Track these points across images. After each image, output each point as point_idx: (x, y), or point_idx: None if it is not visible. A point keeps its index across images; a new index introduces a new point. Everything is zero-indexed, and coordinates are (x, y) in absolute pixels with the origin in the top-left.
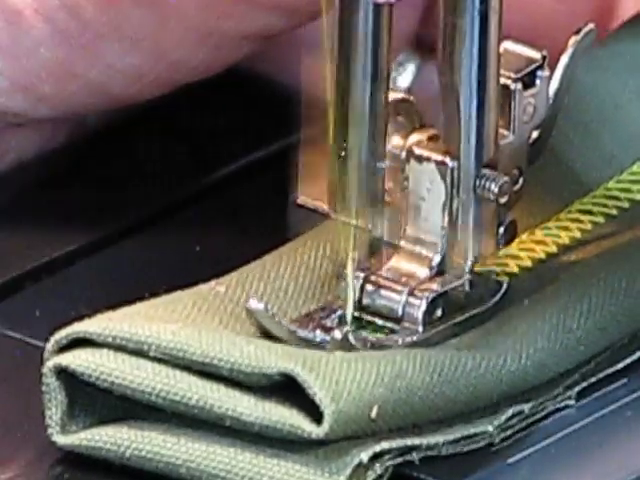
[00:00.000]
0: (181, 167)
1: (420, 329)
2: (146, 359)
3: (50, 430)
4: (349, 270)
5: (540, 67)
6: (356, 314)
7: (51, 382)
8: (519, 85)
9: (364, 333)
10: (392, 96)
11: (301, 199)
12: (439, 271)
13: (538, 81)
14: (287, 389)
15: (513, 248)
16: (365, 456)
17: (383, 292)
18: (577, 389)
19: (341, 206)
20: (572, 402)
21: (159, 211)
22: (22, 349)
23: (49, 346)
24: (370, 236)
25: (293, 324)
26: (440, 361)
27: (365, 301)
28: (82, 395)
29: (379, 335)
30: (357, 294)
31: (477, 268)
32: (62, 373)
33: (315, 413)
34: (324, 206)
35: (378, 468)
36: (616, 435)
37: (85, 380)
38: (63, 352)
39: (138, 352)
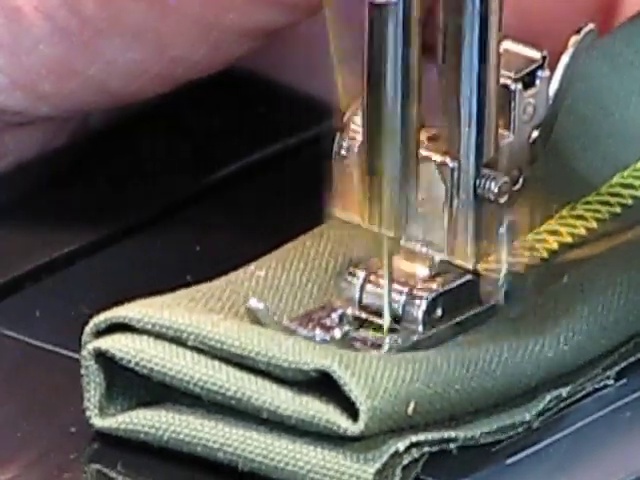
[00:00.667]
0: (181, 167)
1: (420, 329)
2: (185, 348)
3: (88, 413)
4: (385, 280)
5: (540, 67)
6: (356, 313)
7: (90, 365)
8: (519, 85)
9: (364, 332)
10: None
11: (338, 212)
12: (439, 271)
13: (538, 81)
14: (324, 384)
15: (514, 247)
16: (402, 446)
17: (383, 292)
18: (616, 369)
19: (375, 219)
20: (611, 382)
21: (159, 211)
22: (22, 349)
23: (87, 329)
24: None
25: (293, 323)
26: (475, 354)
27: (365, 300)
28: (120, 378)
29: (379, 335)
30: (358, 293)
31: (479, 267)
32: (100, 356)
33: (351, 409)
34: (359, 219)
35: (415, 452)
36: (616, 435)
37: (124, 365)
38: (101, 336)
39: (177, 340)
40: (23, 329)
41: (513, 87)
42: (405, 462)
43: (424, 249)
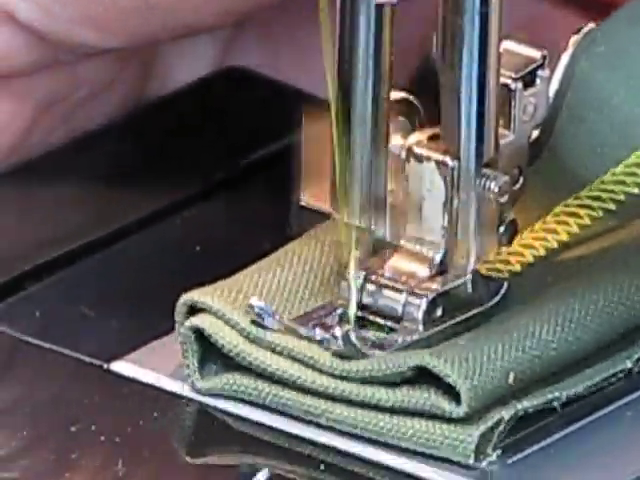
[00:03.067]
0: (180, 168)
1: (420, 328)
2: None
3: (189, 378)
4: (351, 270)
5: (540, 67)
6: (357, 313)
7: (187, 334)
8: (519, 84)
9: (364, 332)
10: (392, 95)
11: (304, 200)
12: (440, 271)
13: (538, 80)
14: (419, 378)
15: (514, 246)
16: (507, 414)
17: (384, 291)
18: None
19: (344, 207)
20: None
21: (159, 211)
22: (22, 349)
23: (180, 304)
24: (371, 236)
25: (294, 322)
26: (570, 307)
27: (366, 300)
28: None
29: (379, 334)
30: (358, 293)
31: (479, 267)
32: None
33: (453, 392)
34: (327, 207)
35: (519, 414)
36: (616, 435)
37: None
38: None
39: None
40: (23, 329)
41: (513, 86)
42: (508, 426)
43: (424, 249)
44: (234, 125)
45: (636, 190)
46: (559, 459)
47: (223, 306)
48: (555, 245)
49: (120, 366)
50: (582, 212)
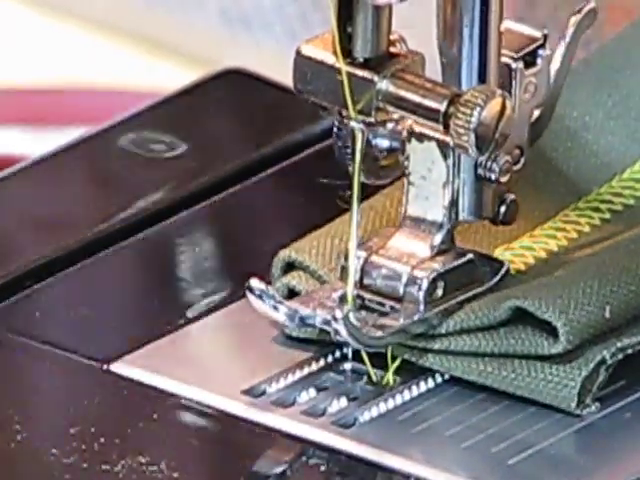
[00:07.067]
0: (180, 168)
1: (421, 308)
2: None
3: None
4: (351, 248)
5: (541, 46)
6: (357, 293)
7: (282, 290)
8: (520, 64)
9: (364, 313)
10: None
11: (305, 50)
12: (440, 250)
13: (539, 60)
14: (512, 323)
15: (515, 248)
16: (608, 354)
17: (384, 271)
18: None
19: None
20: None
21: (159, 211)
22: (22, 349)
23: (278, 257)
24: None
25: (294, 303)
26: None
27: (366, 281)
28: None
29: (379, 315)
30: (358, 273)
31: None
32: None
33: (550, 329)
34: (329, 58)
35: (620, 355)
36: (616, 435)
37: None
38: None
39: None
40: (23, 329)
41: (514, 66)
42: (610, 366)
43: (425, 229)
44: (233, 125)
45: (632, 202)
46: (559, 459)
47: (320, 267)
48: (556, 249)
49: (120, 366)
50: (582, 220)
